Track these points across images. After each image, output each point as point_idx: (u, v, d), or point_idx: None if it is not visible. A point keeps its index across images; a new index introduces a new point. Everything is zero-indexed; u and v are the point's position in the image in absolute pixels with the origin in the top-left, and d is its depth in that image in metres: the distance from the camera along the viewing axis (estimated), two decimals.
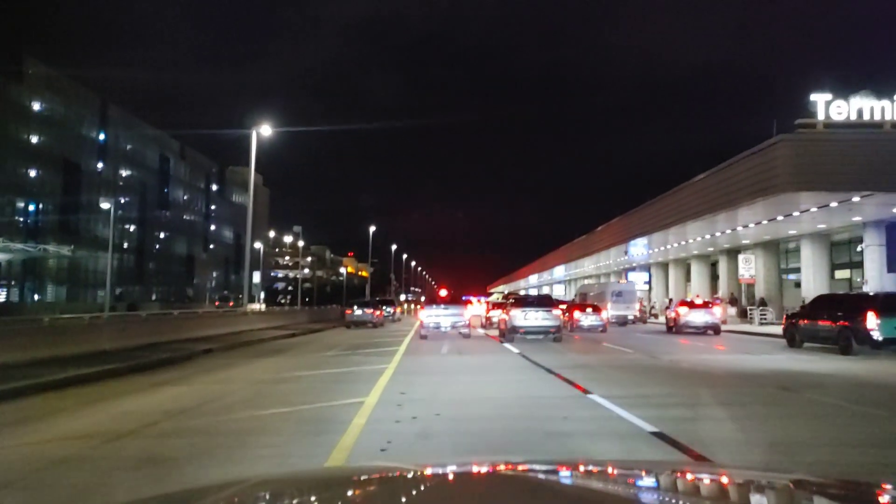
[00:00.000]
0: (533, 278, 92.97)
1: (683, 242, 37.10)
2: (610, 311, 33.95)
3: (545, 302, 22.99)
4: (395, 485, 2.06)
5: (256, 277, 37.85)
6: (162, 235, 70.97)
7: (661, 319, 37.02)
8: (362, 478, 2.17)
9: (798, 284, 31.88)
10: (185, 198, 76.20)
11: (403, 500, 1.90)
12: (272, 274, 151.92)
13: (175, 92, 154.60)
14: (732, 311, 31.41)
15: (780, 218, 26.95)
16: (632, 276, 47.40)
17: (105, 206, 42.88)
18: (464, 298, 33.83)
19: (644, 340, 22.50)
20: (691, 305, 28.31)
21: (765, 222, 28.07)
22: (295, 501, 1.91)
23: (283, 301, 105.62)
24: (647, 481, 2.06)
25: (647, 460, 5.15)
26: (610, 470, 2.24)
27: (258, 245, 75.25)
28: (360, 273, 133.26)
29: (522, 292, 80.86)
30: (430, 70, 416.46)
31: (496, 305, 32.04)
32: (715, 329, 27.00)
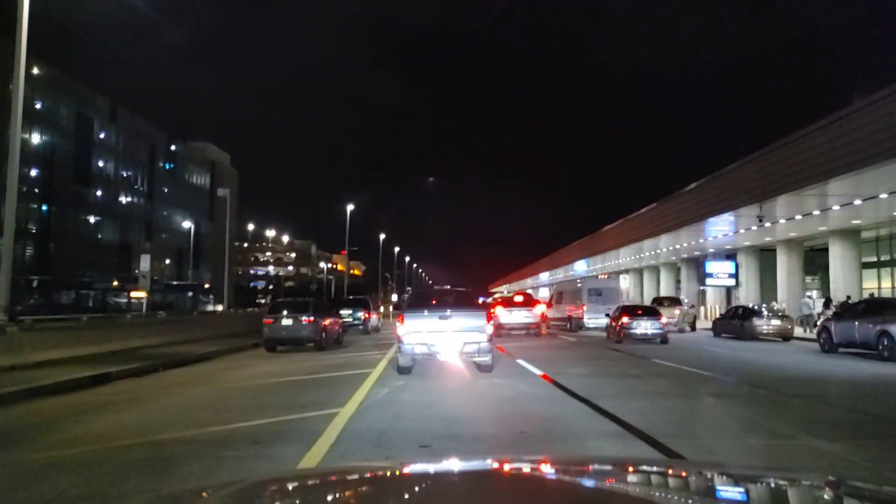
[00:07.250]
0: (544, 276, 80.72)
1: (818, 211, 23.39)
2: (586, 316, 28.19)
3: (527, 302, 25.93)
4: (397, 484, 2.00)
5: (145, 262, 24.18)
6: (84, 218, 56.40)
7: (802, 331, 24.31)
8: (364, 476, 2.17)
9: None
10: (122, 173, 61.59)
11: (406, 497, 1.86)
12: (252, 271, 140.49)
13: (162, 81, 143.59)
14: None
15: None
16: (710, 266, 34.08)
17: None
18: (482, 300, 21.86)
19: None
20: None
21: None
22: (296, 501, 1.86)
23: (261, 301, 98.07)
24: (643, 479, 2.00)
25: (639, 457, 4.86)
26: (604, 468, 2.24)
27: (188, 224, 61.11)
28: (353, 271, 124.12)
29: (529, 291, 70.23)
30: (431, 64, 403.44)
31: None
32: None
